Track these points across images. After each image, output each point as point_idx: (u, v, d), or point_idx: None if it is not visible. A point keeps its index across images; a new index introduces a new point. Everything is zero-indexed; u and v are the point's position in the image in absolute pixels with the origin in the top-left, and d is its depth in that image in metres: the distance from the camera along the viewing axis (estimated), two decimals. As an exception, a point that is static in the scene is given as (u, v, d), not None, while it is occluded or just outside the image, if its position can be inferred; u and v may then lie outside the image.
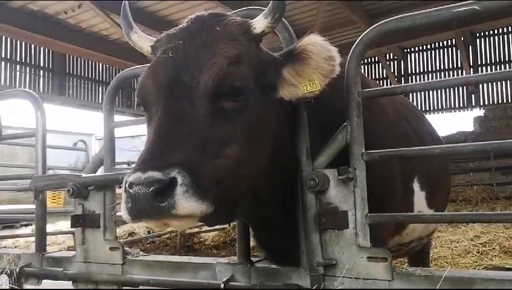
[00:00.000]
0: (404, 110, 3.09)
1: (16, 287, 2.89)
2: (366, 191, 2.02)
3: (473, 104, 15.24)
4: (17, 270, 2.94)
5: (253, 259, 2.42)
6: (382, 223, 2.19)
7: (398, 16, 1.98)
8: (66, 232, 7.69)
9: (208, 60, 1.78)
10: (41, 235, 3.07)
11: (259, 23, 1.94)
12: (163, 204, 1.44)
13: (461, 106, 15.41)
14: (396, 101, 2.95)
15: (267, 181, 2.05)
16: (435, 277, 1.89)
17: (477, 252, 6.17)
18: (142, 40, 2.16)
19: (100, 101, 15.20)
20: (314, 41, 1.88)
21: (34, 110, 3.10)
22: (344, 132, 2.09)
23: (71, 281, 2.83)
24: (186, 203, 1.45)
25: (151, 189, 1.44)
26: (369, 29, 2.06)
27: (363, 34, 2.07)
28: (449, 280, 1.86)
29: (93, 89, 15.13)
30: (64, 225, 8.83)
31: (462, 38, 14.37)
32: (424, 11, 1.93)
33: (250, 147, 1.79)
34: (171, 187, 1.45)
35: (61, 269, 2.84)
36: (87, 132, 16.64)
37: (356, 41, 2.09)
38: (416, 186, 2.72)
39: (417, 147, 2.07)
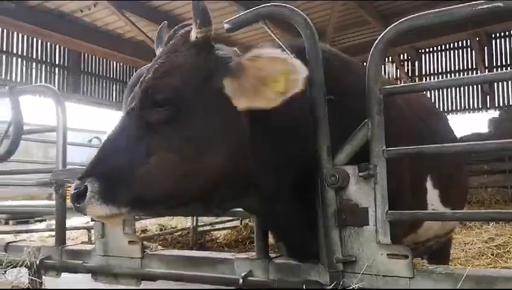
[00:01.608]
0: (421, 109, 3.07)
1: (36, 279, 2.93)
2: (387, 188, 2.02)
3: (488, 106, 15.10)
4: (37, 262, 2.98)
5: (272, 255, 2.43)
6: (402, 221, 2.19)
7: (422, 13, 1.98)
8: (80, 228, 7.76)
9: (147, 76, 1.96)
10: (61, 229, 3.11)
11: (192, 32, 1.98)
12: (79, 205, 1.79)
13: (476, 107, 15.27)
14: (412, 99, 2.93)
15: (269, 179, 2.12)
16: (457, 274, 1.89)
17: (492, 254, 6.13)
18: None
19: (114, 99, 15.32)
20: (255, 57, 1.89)
21: (54, 105, 3.14)
22: (365, 129, 2.10)
23: (90, 274, 2.86)
24: (92, 207, 1.77)
25: (72, 193, 1.80)
26: (392, 26, 2.05)
27: (385, 31, 2.06)
28: (471, 279, 1.85)
29: (107, 87, 15.23)
30: (78, 221, 8.92)
31: (478, 39, 14.24)
32: (448, 7, 1.92)
33: (185, 152, 1.87)
34: (85, 193, 1.77)
35: (81, 261, 2.88)
36: (101, 129, 16.77)
37: (378, 38, 2.08)
38: (429, 185, 2.71)
39: (435, 145, 2.06)
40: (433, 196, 2.75)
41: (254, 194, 2.15)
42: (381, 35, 2.07)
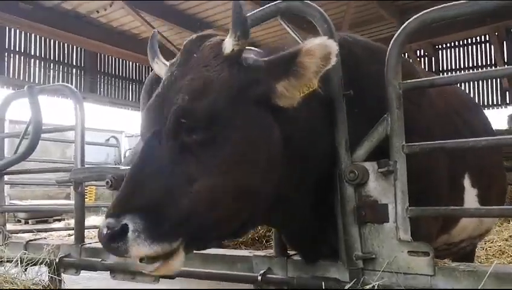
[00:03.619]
0: (456, 102, 2.95)
1: (55, 277, 2.96)
2: (407, 184, 1.98)
3: (508, 102, 14.82)
4: (57, 260, 3.01)
5: (290, 252, 2.41)
6: (425, 219, 2.15)
7: (442, 5, 1.94)
8: (98, 227, 7.82)
9: (175, 96, 1.76)
10: (80, 227, 3.14)
11: (227, 44, 1.82)
12: (118, 247, 1.55)
13: (495, 103, 15.00)
14: (447, 92, 2.82)
15: (292, 187, 2.02)
16: (480, 272, 1.85)
17: (513, 253, 6.02)
18: (161, 69, 2.13)
19: (130, 99, 15.42)
20: (310, 52, 1.77)
21: (73, 104, 3.17)
22: (384, 124, 2.06)
23: (109, 272, 2.88)
24: (138, 248, 1.55)
25: (105, 233, 1.55)
26: (412, 18, 2.01)
27: (405, 24, 2.03)
28: (494, 276, 1.81)
29: (124, 86, 15.34)
30: (96, 219, 8.99)
31: (496, 34, 13.99)
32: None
33: (232, 174, 1.71)
34: (124, 233, 1.54)
35: (100, 259, 2.90)
36: (117, 129, 16.90)
37: (398, 31, 2.05)
38: (467, 182, 2.60)
39: (459, 140, 2.01)
40: (470, 195, 2.64)
41: (280, 210, 2.08)
42: (403, 26, 2.03)
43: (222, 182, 1.69)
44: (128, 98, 15.43)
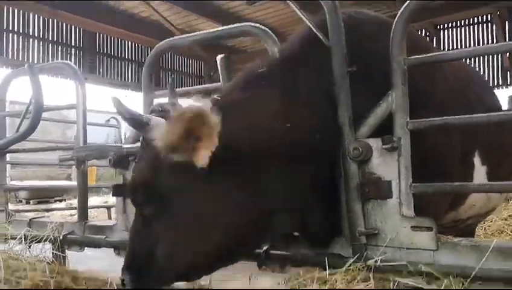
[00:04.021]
0: (467, 78, 2.89)
1: (60, 254, 2.98)
2: (416, 160, 1.98)
3: (509, 82, 14.74)
4: (61, 237, 3.03)
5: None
6: (434, 196, 2.15)
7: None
8: (100, 207, 7.87)
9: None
10: (83, 205, 3.16)
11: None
12: None
13: (496, 84, 14.92)
14: (458, 68, 2.77)
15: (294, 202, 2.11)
16: (482, 247, 1.86)
17: (511, 232, 6.07)
18: None
19: (130, 80, 15.34)
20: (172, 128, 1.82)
21: (74, 82, 3.15)
22: (389, 100, 2.06)
23: (113, 249, 2.90)
24: None
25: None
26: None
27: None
28: (497, 251, 1.83)
29: (123, 67, 15.25)
30: (98, 200, 9.04)
31: (498, 13, 13.85)
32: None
33: (187, 237, 2.00)
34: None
35: (104, 236, 2.92)
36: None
37: (403, 6, 2.03)
38: (477, 160, 2.55)
39: (463, 116, 2.00)
40: (480, 173, 2.60)
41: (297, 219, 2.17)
42: (407, 2, 2.01)
43: (177, 246, 2.00)
44: (128, 79, 15.34)
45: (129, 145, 2.87)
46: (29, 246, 2.92)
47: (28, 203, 10.67)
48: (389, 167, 2.05)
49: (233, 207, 1.99)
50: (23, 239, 2.88)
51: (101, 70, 14.60)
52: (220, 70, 3.10)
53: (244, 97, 2.12)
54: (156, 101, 3.04)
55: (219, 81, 3.15)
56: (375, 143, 2.07)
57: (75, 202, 8.05)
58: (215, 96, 2.23)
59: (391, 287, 1.87)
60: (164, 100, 3.10)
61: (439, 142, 2.21)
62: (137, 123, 1.96)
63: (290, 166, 2.04)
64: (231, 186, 1.98)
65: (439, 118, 2.01)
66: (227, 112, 1.95)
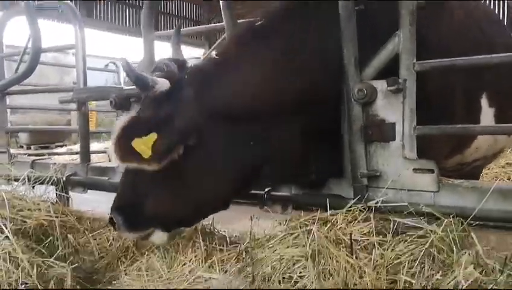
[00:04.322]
0: (478, 16, 2.76)
1: (63, 194, 3.01)
2: (419, 103, 1.96)
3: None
4: (64, 178, 3.04)
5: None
6: (436, 139, 2.14)
7: None
8: (101, 152, 7.90)
9: None
10: (85, 146, 3.16)
11: None
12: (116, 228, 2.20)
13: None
14: (469, 4, 2.67)
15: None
16: (483, 188, 1.88)
17: (508, 179, 6.13)
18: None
19: (127, 24, 15.02)
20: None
21: (73, 24, 3.07)
22: (395, 41, 2.01)
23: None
24: (123, 233, 2.23)
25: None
26: None
27: None
28: (498, 192, 1.84)
29: (121, 11, 14.89)
30: (97, 146, 9.06)
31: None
32: None
33: (177, 185, 2.09)
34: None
35: (107, 178, 2.94)
36: (115, 56, 16.59)
37: None
38: (484, 102, 2.50)
39: (472, 57, 1.95)
40: (487, 115, 2.55)
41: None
42: None
43: (160, 197, 2.10)
44: (126, 24, 15.02)
45: (130, 87, 2.83)
46: (33, 187, 2.94)
47: (28, 148, 10.72)
48: (394, 109, 2.03)
49: (241, 156, 2.07)
50: (26, 180, 2.89)
51: (98, 14, 14.27)
52: (223, 15, 3.02)
53: (249, 50, 2.13)
54: (157, 43, 2.98)
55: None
56: (380, 85, 2.04)
57: (75, 148, 8.08)
58: (214, 54, 2.29)
59: (391, 227, 1.90)
60: (165, 45, 3.06)
61: (441, 85, 2.18)
62: (144, 85, 1.96)
63: (298, 115, 2.07)
64: (241, 139, 2.05)
65: (447, 59, 1.97)
66: (233, 68, 2.04)
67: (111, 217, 2.16)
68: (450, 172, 2.41)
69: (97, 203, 3.05)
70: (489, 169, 6.50)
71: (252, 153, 2.08)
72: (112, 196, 2.99)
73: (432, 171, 1.97)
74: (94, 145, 9.59)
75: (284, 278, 1.86)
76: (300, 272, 1.84)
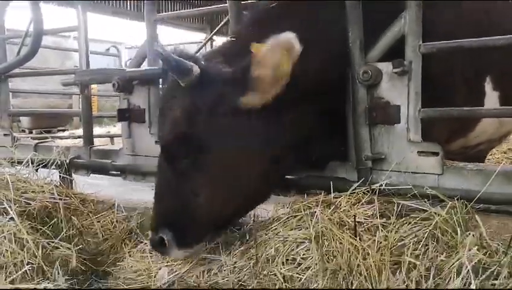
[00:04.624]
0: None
1: (67, 177, 3.01)
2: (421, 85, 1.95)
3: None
4: (67, 161, 3.05)
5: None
6: (437, 122, 2.13)
7: None
8: (103, 136, 7.90)
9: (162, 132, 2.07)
10: (88, 129, 3.16)
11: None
12: (162, 250, 2.05)
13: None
14: None
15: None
16: (488, 171, 1.87)
17: (511, 163, 6.14)
18: None
19: (129, 8, 14.90)
20: (262, 64, 1.80)
21: (74, 3, 3.04)
22: (401, 23, 1.99)
23: (119, 173, 2.93)
24: (172, 253, 2.03)
25: (151, 243, 2.07)
26: None
27: None
28: (503, 175, 1.84)
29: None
30: (99, 130, 9.06)
31: None
32: None
33: (228, 184, 1.98)
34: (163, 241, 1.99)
35: (110, 160, 2.94)
36: (117, 40, 16.52)
37: None
38: (488, 86, 2.45)
39: (478, 39, 1.93)
40: (491, 99, 2.50)
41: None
42: None
43: (218, 193, 1.98)
44: (127, 7, 14.89)
45: (133, 69, 2.82)
46: (36, 170, 2.94)
47: (30, 133, 10.72)
48: (399, 91, 2.02)
49: (275, 147, 2.02)
50: (30, 163, 2.89)
51: (100, -3, 14.13)
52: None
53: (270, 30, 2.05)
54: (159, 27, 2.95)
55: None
56: (385, 67, 2.03)
57: (77, 132, 8.08)
58: (230, 37, 2.25)
59: (395, 209, 1.90)
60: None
61: (441, 69, 2.16)
62: (185, 70, 1.88)
63: (314, 100, 2.05)
64: (274, 128, 2.00)
65: (454, 40, 1.95)
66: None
67: (159, 238, 1.99)
68: (454, 155, 2.39)
69: (100, 188, 3.06)
70: (491, 155, 6.51)
71: (283, 135, 2.06)
72: (113, 181, 2.99)
73: (436, 154, 1.96)
74: (96, 130, 9.58)
75: (287, 259, 1.87)
76: (303, 254, 1.85)
